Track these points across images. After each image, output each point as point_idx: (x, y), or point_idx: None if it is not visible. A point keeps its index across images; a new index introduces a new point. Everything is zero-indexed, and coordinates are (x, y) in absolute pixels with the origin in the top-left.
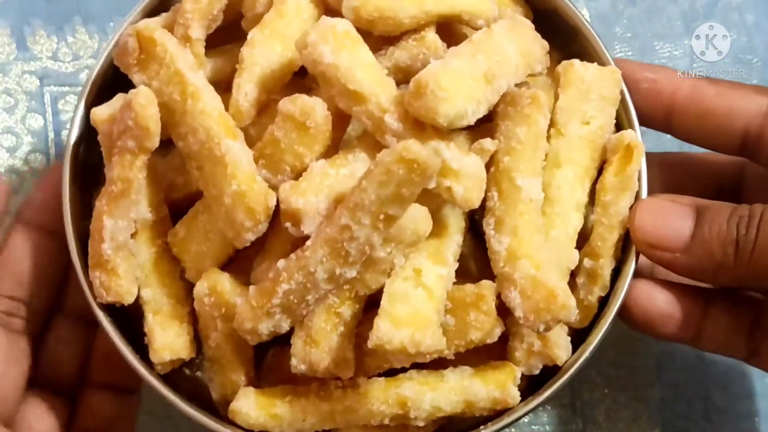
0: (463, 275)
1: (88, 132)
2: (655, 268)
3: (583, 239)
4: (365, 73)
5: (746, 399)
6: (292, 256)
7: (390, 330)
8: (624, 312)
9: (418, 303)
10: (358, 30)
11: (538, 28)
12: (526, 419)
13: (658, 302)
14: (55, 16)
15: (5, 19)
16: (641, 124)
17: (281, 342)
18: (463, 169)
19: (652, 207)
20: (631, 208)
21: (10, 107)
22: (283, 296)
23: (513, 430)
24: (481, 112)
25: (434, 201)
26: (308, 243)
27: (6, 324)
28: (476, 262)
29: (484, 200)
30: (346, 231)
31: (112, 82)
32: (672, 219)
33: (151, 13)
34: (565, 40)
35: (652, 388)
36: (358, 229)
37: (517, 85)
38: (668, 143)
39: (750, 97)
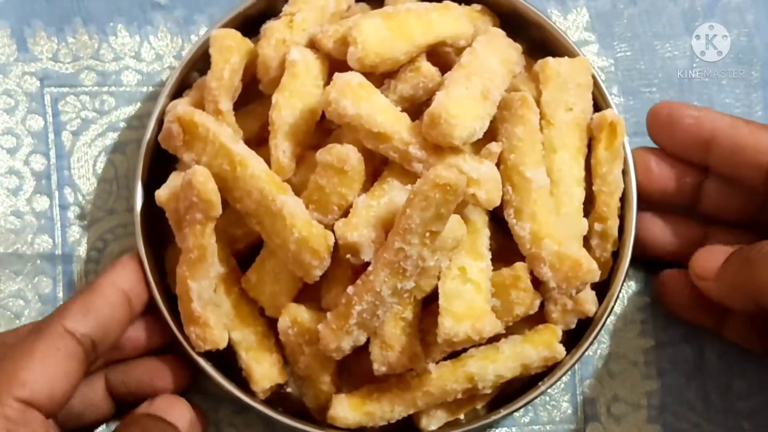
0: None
1: (150, 200)
2: None
3: (586, 204)
4: (384, 116)
5: (746, 399)
6: (359, 281)
7: (453, 326)
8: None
9: (470, 297)
10: (363, 73)
11: (505, 29)
12: (526, 419)
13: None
14: (55, 17)
15: (5, 19)
16: (679, 156)
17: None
18: (482, 177)
19: (703, 251)
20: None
21: (11, 108)
22: (358, 316)
23: (513, 429)
24: (486, 125)
25: (460, 205)
26: (370, 269)
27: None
28: (494, 240)
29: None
30: (401, 252)
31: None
32: (709, 256)
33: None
34: (528, 31)
35: (652, 388)
36: (410, 248)
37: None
38: None
39: None
